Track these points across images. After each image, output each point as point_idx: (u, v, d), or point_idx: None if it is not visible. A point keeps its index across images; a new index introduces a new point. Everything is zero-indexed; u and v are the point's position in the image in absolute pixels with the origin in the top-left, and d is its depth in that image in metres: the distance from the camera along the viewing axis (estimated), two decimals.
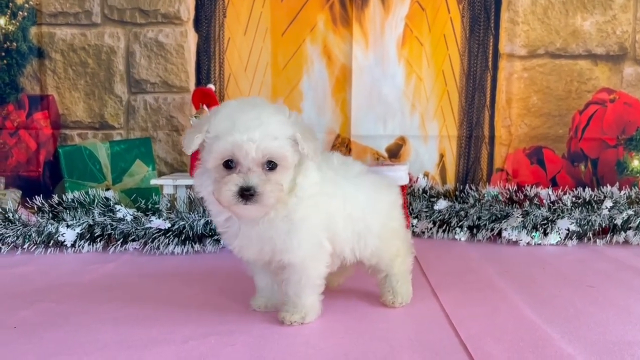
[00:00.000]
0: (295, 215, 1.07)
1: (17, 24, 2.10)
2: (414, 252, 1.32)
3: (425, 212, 2.01)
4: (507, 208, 1.97)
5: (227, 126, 1.01)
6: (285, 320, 1.12)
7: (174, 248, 1.75)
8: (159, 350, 1.01)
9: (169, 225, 1.78)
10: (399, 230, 1.28)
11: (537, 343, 1.02)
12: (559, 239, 1.86)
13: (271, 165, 1.03)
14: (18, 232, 1.80)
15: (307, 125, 1.11)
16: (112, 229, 1.82)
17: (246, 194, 1.00)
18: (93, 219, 1.83)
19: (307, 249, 1.09)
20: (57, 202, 1.88)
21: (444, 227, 1.98)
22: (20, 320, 1.17)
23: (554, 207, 1.95)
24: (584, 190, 2.00)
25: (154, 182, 1.98)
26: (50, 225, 1.81)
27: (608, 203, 1.93)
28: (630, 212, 1.90)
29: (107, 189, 1.99)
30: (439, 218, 1.99)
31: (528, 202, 1.98)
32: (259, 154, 1.01)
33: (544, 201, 1.97)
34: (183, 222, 1.78)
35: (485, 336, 1.06)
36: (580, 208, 1.94)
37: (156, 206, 1.89)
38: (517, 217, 1.89)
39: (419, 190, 2.07)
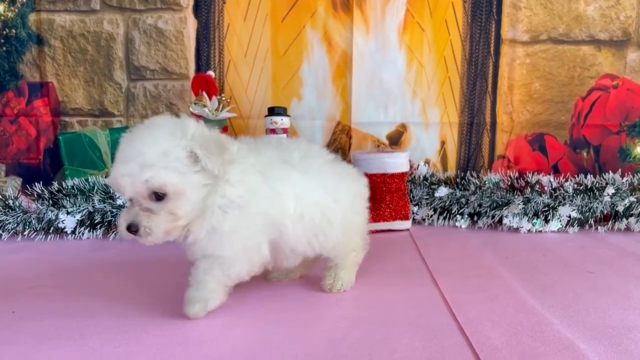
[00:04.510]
0: (224, 226, 1.04)
1: (16, 10, 2.09)
2: (368, 248, 1.31)
3: (426, 199, 2.01)
4: (508, 195, 1.96)
5: (116, 159, 1.00)
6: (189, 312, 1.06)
7: None
8: (157, 332, 1.01)
9: None
10: (360, 225, 1.26)
11: (535, 327, 1.02)
12: (560, 226, 1.86)
13: (158, 196, 0.99)
14: (18, 219, 1.81)
15: (214, 138, 1.04)
16: (112, 216, 1.82)
17: (132, 230, 0.99)
18: (93, 206, 1.83)
19: (241, 250, 1.06)
20: (57, 189, 1.88)
21: (444, 214, 1.97)
22: (19, 304, 1.17)
23: (555, 194, 1.94)
24: (585, 177, 1.99)
25: None
26: (50, 212, 1.81)
27: (610, 190, 1.92)
28: (632, 199, 1.89)
29: (106, 177, 1.99)
30: (440, 205, 1.98)
31: (529, 189, 1.97)
32: (134, 188, 0.98)
33: (546, 188, 1.96)
34: None
35: (483, 320, 1.05)
36: (581, 195, 1.93)
37: None
38: (518, 204, 1.89)
39: (419, 177, 2.06)
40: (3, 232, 1.80)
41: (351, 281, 1.26)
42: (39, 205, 1.86)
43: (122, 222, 1.01)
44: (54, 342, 0.98)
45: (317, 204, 1.13)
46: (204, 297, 1.06)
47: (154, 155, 0.97)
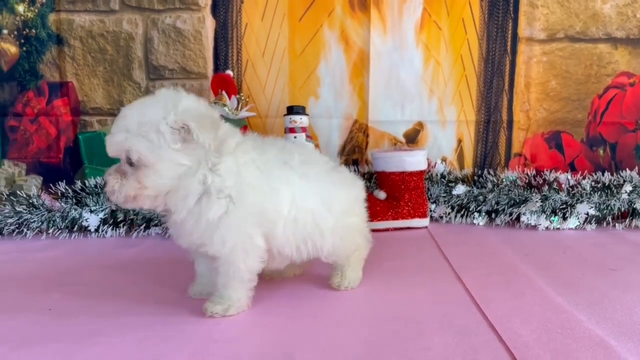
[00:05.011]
0: (209, 214, 1.05)
1: (36, 10, 2.11)
2: (372, 242, 1.32)
3: (444, 197, 2.02)
4: (525, 193, 1.97)
5: None
6: (207, 311, 1.09)
7: None
8: (193, 330, 1.03)
9: None
10: (359, 225, 1.27)
11: (565, 325, 1.04)
12: (578, 224, 1.87)
13: (131, 161, 1.03)
14: (43, 218, 1.83)
15: (208, 114, 1.07)
16: (134, 214, 1.85)
17: (103, 185, 1.04)
18: (115, 205, 1.85)
19: (233, 244, 1.07)
20: (80, 187, 1.90)
21: (462, 212, 1.99)
22: (54, 302, 1.20)
23: (573, 192, 1.95)
24: (603, 175, 2.00)
25: None
26: (74, 211, 1.84)
27: (627, 187, 1.93)
28: None
29: None
30: (457, 203, 2.00)
31: (547, 187, 1.98)
32: (111, 147, 1.04)
33: (563, 186, 1.97)
34: None
35: (512, 318, 1.07)
36: (599, 192, 1.94)
37: None
38: (536, 201, 1.90)
39: (437, 175, 2.08)
40: (28, 230, 1.82)
41: (358, 278, 1.28)
42: (62, 203, 1.88)
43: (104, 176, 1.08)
44: (94, 339, 1.00)
45: (311, 210, 1.15)
46: (228, 304, 1.10)
47: (134, 121, 1.02)
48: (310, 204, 1.15)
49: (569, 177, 1.99)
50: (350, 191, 1.26)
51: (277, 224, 1.11)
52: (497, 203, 1.95)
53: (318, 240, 1.17)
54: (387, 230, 1.90)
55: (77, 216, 1.82)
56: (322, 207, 1.16)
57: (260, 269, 1.13)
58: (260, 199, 1.08)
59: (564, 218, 1.87)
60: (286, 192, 1.12)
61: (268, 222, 1.10)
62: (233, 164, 1.08)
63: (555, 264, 1.47)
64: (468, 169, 2.14)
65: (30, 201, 1.87)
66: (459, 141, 2.17)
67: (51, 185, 1.98)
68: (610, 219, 1.89)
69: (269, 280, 1.32)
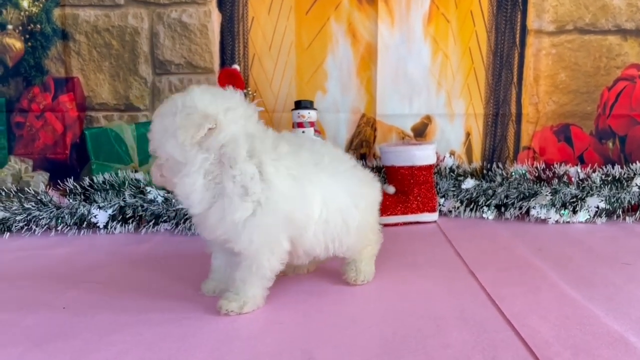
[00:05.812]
0: (234, 215, 1.06)
1: (41, 5, 2.09)
2: (382, 240, 1.33)
3: (453, 191, 2.01)
4: (535, 186, 1.96)
5: None
6: (222, 309, 1.09)
7: None
8: (210, 327, 1.03)
9: None
10: (372, 224, 1.29)
11: (583, 320, 1.03)
12: (588, 217, 1.86)
13: None
14: (51, 214, 1.83)
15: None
16: (143, 211, 1.84)
17: None
18: (124, 201, 1.85)
19: (260, 244, 1.08)
20: (88, 184, 1.90)
21: (471, 206, 1.98)
22: (69, 300, 1.20)
23: (583, 185, 1.94)
24: (613, 168, 1.99)
25: None
26: (82, 207, 1.83)
27: (638, 180, 1.92)
28: None
29: (135, 171, 2.00)
30: (467, 197, 1.99)
31: (557, 180, 1.97)
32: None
33: (573, 179, 1.96)
34: None
35: (529, 314, 1.07)
36: (609, 185, 1.94)
37: None
38: (546, 195, 1.89)
39: (445, 169, 2.06)
40: (36, 227, 1.82)
41: (372, 272, 1.29)
42: (70, 200, 1.88)
43: None
44: (111, 337, 1.00)
45: (340, 209, 1.17)
46: (243, 300, 1.10)
47: (154, 118, 1.14)
48: (339, 202, 1.17)
49: (579, 170, 1.99)
50: (371, 191, 1.28)
51: (308, 229, 1.13)
52: (507, 197, 1.95)
53: (344, 238, 1.19)
54: (396, 224, 1.90)
55: (86, 212, 1.82)
56: (350, 204, 1.19)
57: (280, 269, 1.14)
58: (292, 206, 1.10)
59: (574, 211, 1.87)
60: (317, 196, 1.14)
61: (298, 228, 1.12)
62: (266, 171, 1.08)
63: (568, 258, 1.46)
64: (477, 163, 2.13)
65: (39, 198, 1.86)
66: (468, 135, 2.16)
67: (58, 181, 1.97)
68: (620, 212, 1.88)
69: (282, 277, 1.31)
